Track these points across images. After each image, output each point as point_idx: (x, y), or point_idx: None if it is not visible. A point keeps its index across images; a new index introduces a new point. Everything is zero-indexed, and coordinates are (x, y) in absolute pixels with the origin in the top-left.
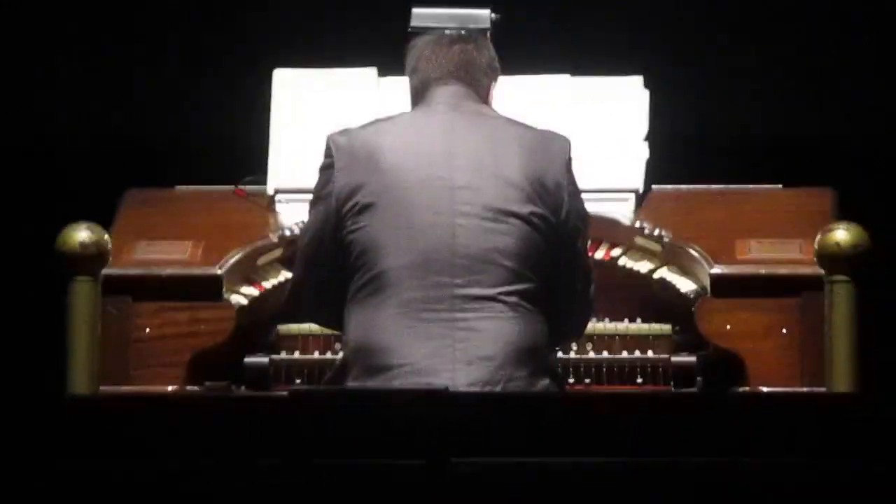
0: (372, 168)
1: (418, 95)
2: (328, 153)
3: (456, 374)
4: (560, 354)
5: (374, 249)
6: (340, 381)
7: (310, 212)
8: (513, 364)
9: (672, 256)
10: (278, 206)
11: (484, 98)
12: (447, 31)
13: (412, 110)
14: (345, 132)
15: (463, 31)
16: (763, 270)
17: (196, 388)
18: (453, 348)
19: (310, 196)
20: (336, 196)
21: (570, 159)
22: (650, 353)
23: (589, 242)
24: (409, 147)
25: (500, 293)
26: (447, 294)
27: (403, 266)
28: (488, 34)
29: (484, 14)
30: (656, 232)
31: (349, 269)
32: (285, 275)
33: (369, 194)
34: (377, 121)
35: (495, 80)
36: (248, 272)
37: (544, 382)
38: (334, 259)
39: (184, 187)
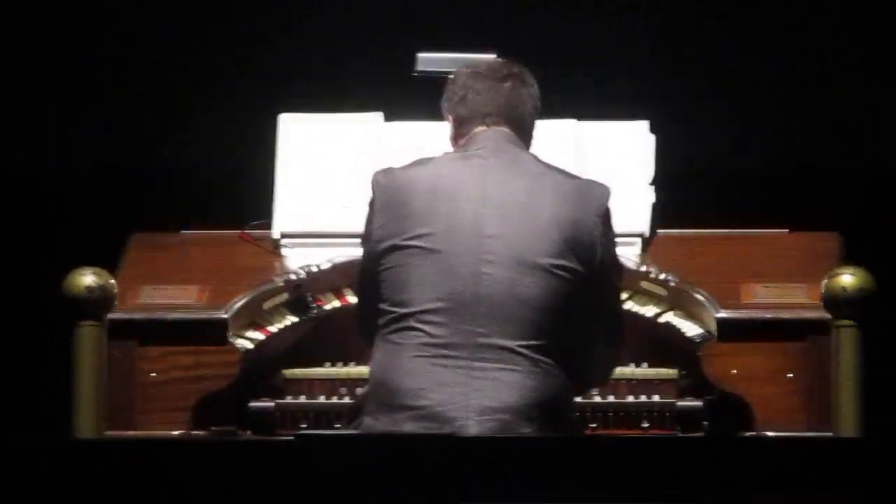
0: (405, 210)
1: (461, 128)
2: (372, 191)
3: (468, 423)
4: None
5: (403, 290)
6: (359, 411)
7: (363, 250)
8: (524, 419)
9: (678, 300)
10: (284, 251)
11: (527, 137)
12: (499, 64)
13: (453, 152)
14: (387, 171)
15: (514, 67)
16: (769, 315)
17: (201, 432)
18: (468, 396)
19: (314, 240)
20: (373, 236)
21: (607, 209)
22: (656, 398)
23: (621, 296)
24: (443, 191)
25: (520, 346)
26: (469, 342)
27: (429, 310)
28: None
29: (490, 59)
30: (662, 276)
31: (380, 307)
32: (291, 319)
33: (401, 237)
34: (418, 162)
35: (537, 117)
36: (253, 316)
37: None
38: (376, 296)
39: (189, 231)
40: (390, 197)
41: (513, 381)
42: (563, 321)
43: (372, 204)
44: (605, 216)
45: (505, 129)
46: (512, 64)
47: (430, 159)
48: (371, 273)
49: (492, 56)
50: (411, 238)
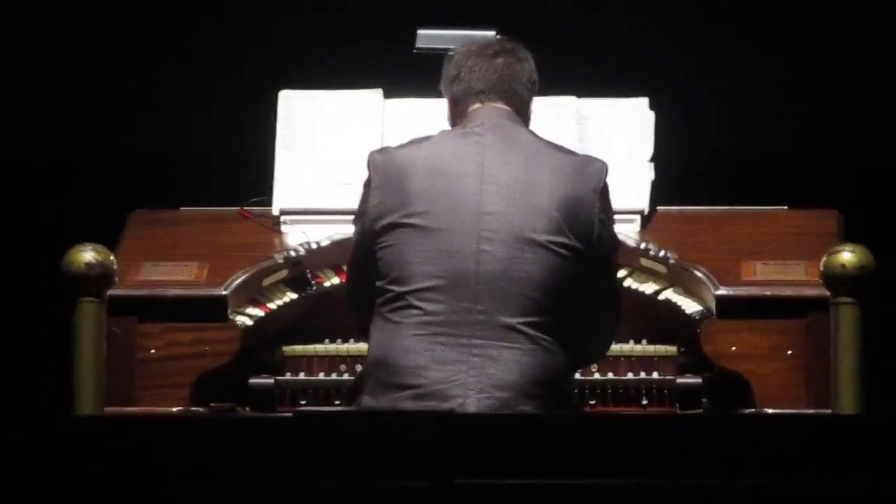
0: (402, 189)
1: (458, 107)
2: (367, 169)
3: (467, 401)
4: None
5: (401, 269)
6: (359, 390)
7: (354, 227)
8: (525, 396)
9: (677, 278)
10: (283, 227)
11: (524, 113)
12: (491, 41)
13: (450, 130)
14: (383, 150)
15: (507, 43)
16: (768, 292)
17: (201, 408)
18: (467, 374)
19: (314, 217)
20: (370, 214)
21: (605, 185)
22: (655, 375)
23: (620, 273)
24: (441, 169)
25: (520, 323)
26: (468, 319)
27: (427, 288)
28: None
29: (489, 36)
30: (661, 253)
31: (378, 285)
32: (290, 296)
33: (399, 215)
34: (415, 140)
35: (535, 93)
36: (253, 293)
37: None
38: (372, 275)
39: (189, 208)
40: (387, 175)
41: (512, 359)
42: (561, 298)
43: (368, 183)
44: (603, 192)
45: (501, 106)
46: (505, 40)
47: (426, 138)
48: (366, 251)
49: (489, 33)
50: (409, 216)
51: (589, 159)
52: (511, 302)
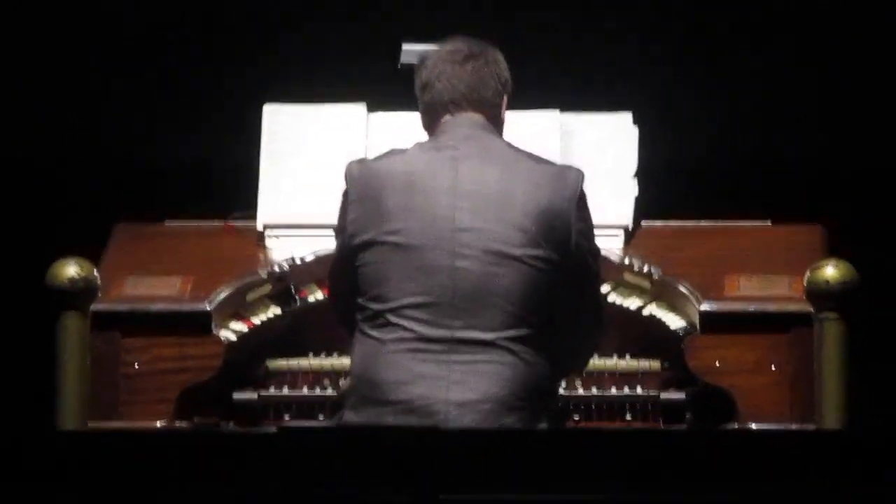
0: (379, 205)
1: (430, 116)
2: (345, 181)
3: (448, 416)
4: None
5: (380, 286)
6: (341, 406)
7: (335, 240)
8: (506, 410)
9: (661, 293)
10: (268, 241)
11: (496, 118)
12: (460, 45)
13: (424, 143)
14: (361, 162)
15: (476, 46)
16: (752, 307)
17: (185, 423)
18: (447, 390)
19: (298, 231)
20: (348, 230)
21: (582, 193)
22: (639, 390)
23: (601, 279)
24: (416, 185)
25: (498, 338)
26: (447, 336)
27: (407, 305)
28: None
29: (453, 42)
30: (645, 268)
31: (359, 302)
32: (274, 310)
33: (376, 232)
34: (391, 152)
35: (508, 94)
36: (237, 308)
37: (540, 427)
38: (352, 288)
39: (173, 222)
40: (364, 190)
41: (493, 372)
42: (540, 310)
43: (346, 195)
44: (580, 201)
45: (472, 115)
46: (473, 44)
47: (403, 150)
48: (346, 267)
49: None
50: (386, 234)
51: (564, 168)
52: (489, 317)
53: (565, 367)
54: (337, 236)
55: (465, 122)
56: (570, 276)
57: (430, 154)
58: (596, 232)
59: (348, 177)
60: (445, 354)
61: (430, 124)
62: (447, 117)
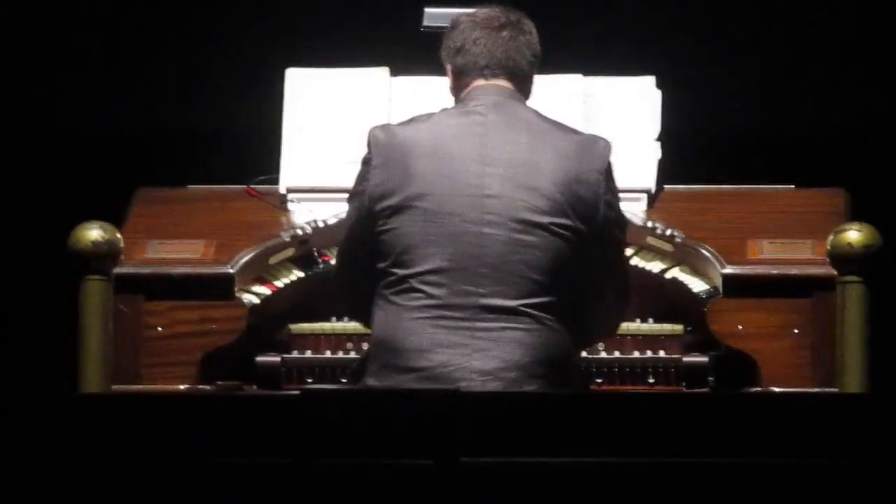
0: (405, 170)
1: (459, 80)
2: (368, 147)
3: (471, 384)
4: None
5: (404, 251)
6: (362, 372)
7: (348, 205)
8: (529, 377)
9: (684, 256)
10: (290, 206)
11: (526, 88)
12: (496, 12)
13: (451, 109)
14: (385, 128)
15: (512, 15)
16: (775, 271)
17: (207, 386)
18: (470, 357)
19: (321, 195)
20: (369, 194)
21: (609, 165)
22: (662, 354)
23: (627, 252)
24: (443, 151)
25: (522, 305)
26: (471, 302)
27: (431, 271)
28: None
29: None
30: (668, 232)
31: (380, 267)
32: (297, 274)
33: (401, 197)
34: (417, 118)
35: (537, 66)
36: (259, 271)
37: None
38: (368, 255)
39: (195, 186)
40: (389, 155)
41: (515, 340)
42: (566, 279)
43: (368, 161)
44: (608, 171)
45: (504, 83)
46: (509, 12)
47: (429, 116)
48: (363, 230)
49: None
50: (412, 198)
51: (593, 139)
52: (514, 284)
53: (590, 336)
54: (352, 201)
55: (494, 90)
56: (596, 247)
57: (458, 119)
58: (619, 195)
59: (372, 142)
60: (468, 321)
61: (459, 88)
62: (479, 82)
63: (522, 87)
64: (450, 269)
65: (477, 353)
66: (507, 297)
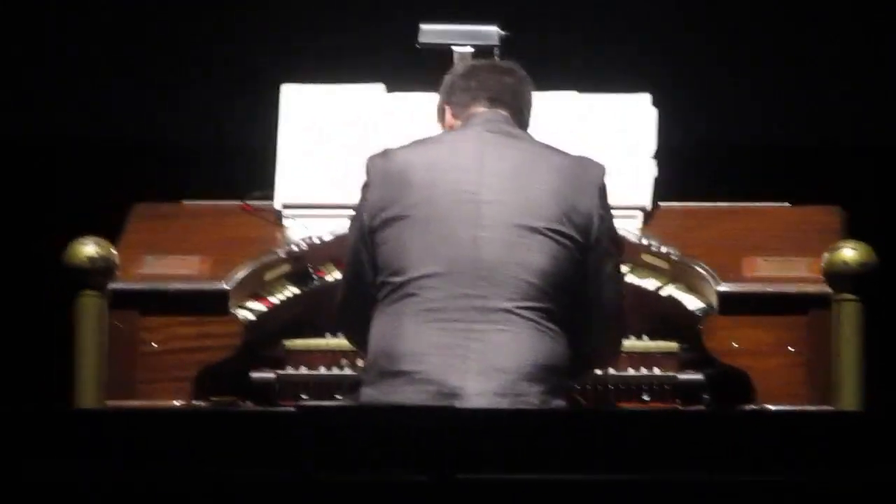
0: (403, 184)
1: (461, 112)
2: (367, 174)
3: (466, 384)
4: None
5: (400, 260)
6: (360, 383)
7: (349, 232)
8: (525, 379)
9: (679, 273)
10: (285, 221)
11: (525, 123)
12: (501, 63)
13: (449, 130)
14: (383, 153)
15: (517, 68)
16: (770, 288)
17: (202, 402)
18: (466, 358)
19: (316, 211)
20: (368, 211)
21: (603, 186)
22: (657, 371)
23: (622, 269)
24: (440, 163)
25: (518, 307)
26: (466, 305)
27: (427, 276)
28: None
29: (492, 31)
30: (663, 249)
31: (379, 280)
32: (292, 290)
33: (398, 207)
34: (415, 141)
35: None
36: (255, 287)
37: (557, 403)
38: (370, 272)
39: (191, 202)
40: (387, 175)
41: (511, 342)
42: (561, 286)
43: (366, 185)
44: (602, 192)
45: (504, 112)
46: (515, 65)
47: (427, 138)
48: (363, 247)
49: (492, 28)
50: (408, 207)
51: (587, 161)
52: (510, 287)
53: (588, 359)
54: (352, 224)
55: (494, 116)
56: (592, 262)
57: (456, 136)
58: (614, 213)
59: (371, 169)
60: (464, 324)
61: (457, 118)
62: (481, 109)
63: (521, 121)
64: (446, 272)
65: (473, 354)
66: (503, 299)
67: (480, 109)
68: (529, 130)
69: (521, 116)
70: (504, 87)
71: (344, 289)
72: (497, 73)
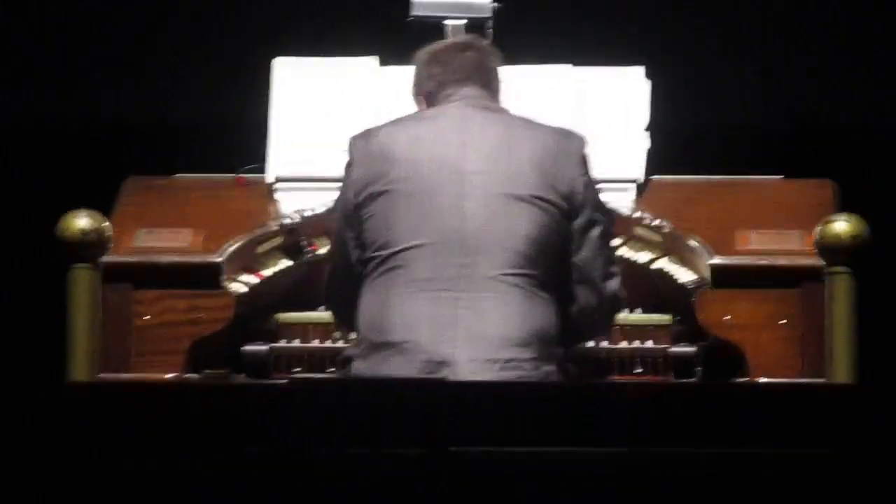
0: (386, 160)
1: (433, 101)
2: (349, 153)
3: (457, 351)
4: None
5: (387, 233)
6: (351, 357)
7: (336, 213)
8: (515, 345)
9: (672, 247)
10: (278, 195)
11: (497, 96)
12: (455, 40)
13: (431, 108)
14: (365, 133)
15: (473, 40)
16: (763, 261)
17: (195, 375)
18: (455, 326)
19: (309, 184)
20: (352, 188)
21: (584, 156)
22: (650, 344)
23: (614, 238)
24: (422, 138)
25: (505, 274)
26: (454, 274)
27: (414, 247)
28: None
29: (486, 3)
30: (656, 222)
31: (366, 256)
32: (285, 263)
33: (383, 182)
34: (396, 119)
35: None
36: (247, 260)
37: (548, 369)
38: (356, 251)
39: (184, 175)
40: (369, 152)
41: (499, 308)
42: (549, 253)
43: (349, 165)
44: (584, 161)
45: (476, 88)
46: (466, 37)
47: (408, 116)
48: (351, 226)
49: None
50: (391, 182)
51: (569, 132)
52: (497, 255)
53: (581, 326)
54: (337, 204)
55: (469, 92)
56: (578, 230)
57: (437, 111)
58: (607, 185)
59: (352, 148)
60: (452, 293)
61: (434, 103)
62: (452, 90)
63: (494, 96)
64: (432, 243)
65: (462, 321)
66: (490, 266)
67: (452, 90)
68: (523, 102)
69: (490, 87)
70: (466, 64)
71: (330, 269)
72: (456, 51)
